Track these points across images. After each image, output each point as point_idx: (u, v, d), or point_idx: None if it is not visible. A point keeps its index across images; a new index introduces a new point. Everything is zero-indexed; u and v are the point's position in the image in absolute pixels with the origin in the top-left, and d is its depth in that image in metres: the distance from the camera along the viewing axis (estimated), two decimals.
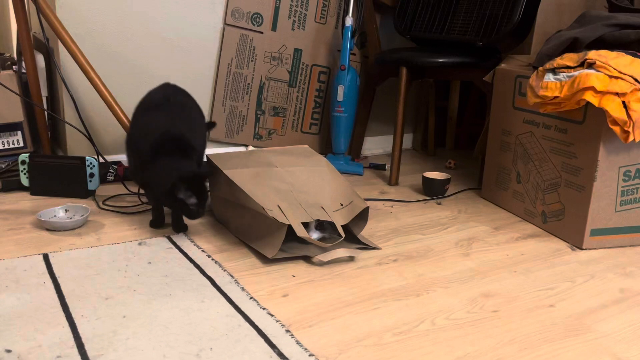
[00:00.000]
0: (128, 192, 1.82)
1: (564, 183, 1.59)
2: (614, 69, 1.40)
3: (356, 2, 2.23)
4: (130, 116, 1.98)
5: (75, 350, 0.97)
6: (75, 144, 1.96)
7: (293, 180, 1.51)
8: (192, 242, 1.46)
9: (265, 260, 1.39)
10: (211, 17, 2.10)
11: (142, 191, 1.73)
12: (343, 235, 1.41)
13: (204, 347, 1.00)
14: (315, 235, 1.46)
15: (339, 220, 1.43)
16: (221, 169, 1.51)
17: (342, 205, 1.49)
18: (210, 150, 2.21)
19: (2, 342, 0.99)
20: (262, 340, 1.03)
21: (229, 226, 1.57)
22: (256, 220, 1.42)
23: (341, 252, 1.39)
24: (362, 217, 1.51)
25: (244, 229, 1.49)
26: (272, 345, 1.02)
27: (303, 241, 1.44)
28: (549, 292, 1.29)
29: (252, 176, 1.49)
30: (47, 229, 1.51)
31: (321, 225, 1.48)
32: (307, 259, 1.40)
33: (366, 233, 1.59)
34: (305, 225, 1.43)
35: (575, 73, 1.45)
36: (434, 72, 2.13)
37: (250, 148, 2.25)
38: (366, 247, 1.49)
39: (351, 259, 1.42)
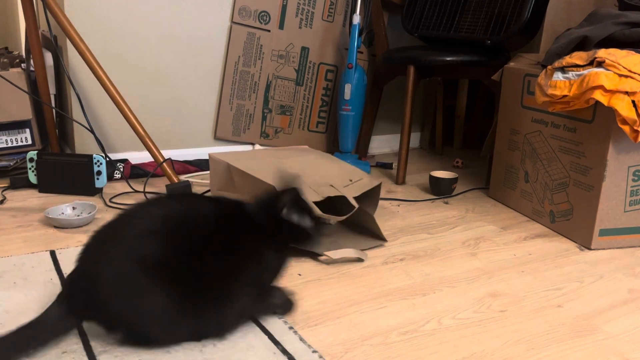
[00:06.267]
0: (132, 190, 1.83)
1: (572, 182, 1.57)
2: (624, 67, 1.38)
3: (363, 1, 2.22)
4: (137, 114, 1.99)
5: (80, 346, 0.98)
6: (83, 142, 1.97)
7: (299, 167, 1.51)
8: None
9: None
10: (218, 15, 2.10)
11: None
12: (356, 205, 1.39)
13: (207, 343, 1.00)
14: None
15: (351, 194, 1.40)
16: (226, 161, 1.51)
17: (351, 180, 1.47)
18: (215, 149, 2.21)
19: None
20: (266, 337, 1.03)
21: None
22: None
23: (351, 252, 1.38)
24: (373, 199, 1.49)
25: None
26: (276, 342, 1.01)
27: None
28: (557, 292, 1.28)
29: (258, 166, 1.49)
30: (55, 227, 1.51)
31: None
32: (314, 258, 1.40)
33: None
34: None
35: (585, 72, 1.43)
36: (442, 70, 2.12)
37: (257, 147, 2.25)
38: (373, 245, 1.48)
39: (360, 260, 1.41)
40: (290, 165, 1.51)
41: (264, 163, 1.51)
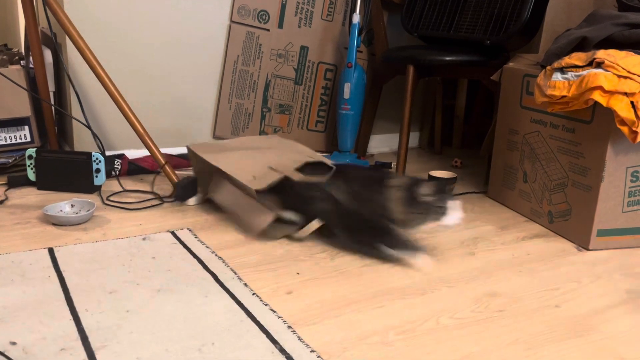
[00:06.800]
0: (134, 190, 1.83)
1: (571, 183, 1.58)
2: (623, 68, 1.39)
3: (363, 0, 2.22)
4: (136, 112, 1.98)
5: (79, 343, 0.98)
6: (82, 139, 1.97)
7: (270, 147, 1.69)
8: (196, 238, 1.46)
9: (270, 257, 1.38)
10: (218, 14, 2.10)
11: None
12: (333, 167, 1.52)
13: (206, 342, 1.00)
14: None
15: (327, 161, 1.57)
16: (204, 158, 1.62)
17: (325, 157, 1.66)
18: None
19: (7, 335, 0.99)
20: (264, 336, 1.03)
21: (217, 199, 1.64)
22: (244, 197, 1.52)
23: (315, 224, 1.45)
24: None
25: (235, 205, 1.57)
26: (274, 341, 1.02)
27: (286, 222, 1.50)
28: (555, 293, 1.28)
29: (232, 155, 1.62)
30: (53, 224, 1.51)
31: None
32: (312, 256, 1.40)
33: None
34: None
35: (584, 72, 1.44)
36: (442, 70, 2.12)
37: None
38: None
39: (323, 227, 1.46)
40: (262, 149, 1.67)
41: (240, 157, 1.64)
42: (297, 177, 1.47)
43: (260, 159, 1.60)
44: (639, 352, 1.06)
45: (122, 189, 1.81)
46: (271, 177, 1.46)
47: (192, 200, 1.71)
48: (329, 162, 1.56)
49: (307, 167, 1.53)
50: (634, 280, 1.36)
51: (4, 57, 1.95)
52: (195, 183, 1.71)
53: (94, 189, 1.76)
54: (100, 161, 1.74)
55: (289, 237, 1.47)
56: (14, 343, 0.97)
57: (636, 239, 1.55)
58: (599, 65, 1.42)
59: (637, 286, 1.33)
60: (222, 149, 1.70)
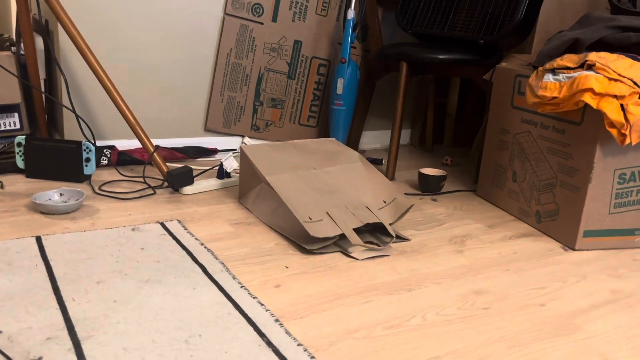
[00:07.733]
0: (123, 177, 1.82)
1: (559, 183, 1.59)
2: (614, 71, 1.40)
3: None
4: (127, 102, 1.97)
5: (65, 333, 0.97)
6: (73, 128, 1.96)
7: (333, 181, 1.56)
8: (185, 229, 1.46)
9: (260, 251, 1.39)
10: (212, 6, 2.09)
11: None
12: (394, 236, 1.45)
13: (193, 334, 1.00)
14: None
15: (387, 220, 1.49)
16: (262, 173, 1.53)
17: (385, 202, 1.53)
18: (205, 140, 2.20)
19: None
20: (251, 329, 1.03)
21: (261, 217, 1.58)
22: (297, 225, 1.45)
23: (376, 250, 1.42)
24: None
25: (282, 224, 1.50)
26: (261, 334, 1.02)
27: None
28: (540, 291, 1.29)
29: (294, 182, 1.52)
30: (42, 212, 1.50)
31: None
32: (301, 251, 1.40)
33: None
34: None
35: (575, 74, 1.45)
36: (435, 68, 2.12)
37: (247, 139, 2.25)
38: (398, 239, 1.52)
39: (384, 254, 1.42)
40: (326, 179, 1.56)
41: (302, 182, 1.53)
42: (354, 240, 1.39)
43: (320, 192, 1.50)
44: (622, 351, 1.07)
45: (115, 176, 1.80)
46: (326, 229, 1.39)
47: (188, 190, 1.71)
48: (391, 229, 1.46)
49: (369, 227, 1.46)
50: (619, 280, 1.38)
51: None
52: (190, 173, 1.71)
53: (84, 178, 1.75)
54: (90, 150, 1.73)
55: (300, 249, 1.43)
56: None
57: (622, 240, 1.57)
58: (590, 67, 1.43)
59: (621, 287, 1.35)
60: (278, 157, 1.61)
